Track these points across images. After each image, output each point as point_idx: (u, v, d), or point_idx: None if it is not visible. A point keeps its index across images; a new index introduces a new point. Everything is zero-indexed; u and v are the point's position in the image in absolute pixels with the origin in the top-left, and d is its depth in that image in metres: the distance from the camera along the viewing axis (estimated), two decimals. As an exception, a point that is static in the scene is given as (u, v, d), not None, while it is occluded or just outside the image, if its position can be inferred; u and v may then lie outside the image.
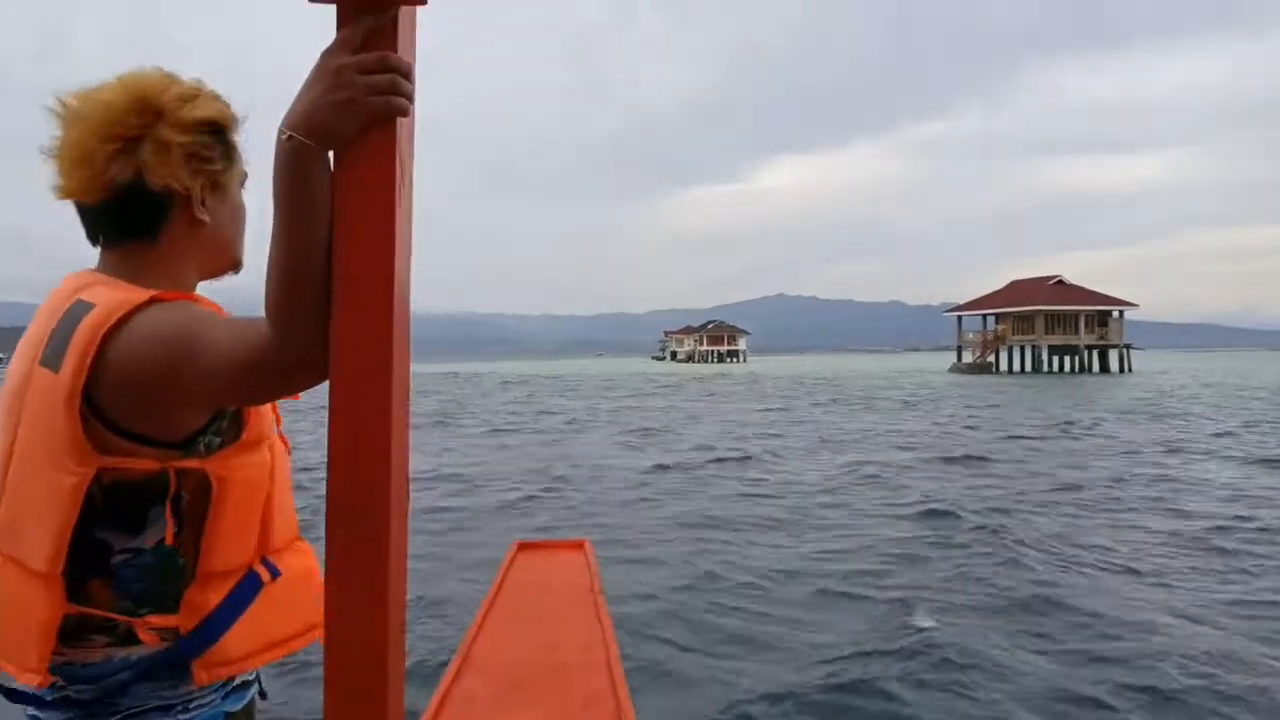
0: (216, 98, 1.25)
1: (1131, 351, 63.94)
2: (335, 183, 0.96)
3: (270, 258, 0.99)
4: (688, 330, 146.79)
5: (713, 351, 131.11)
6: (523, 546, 3.38)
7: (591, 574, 2.97)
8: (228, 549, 1.20)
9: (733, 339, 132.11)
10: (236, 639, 1.20)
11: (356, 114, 0.94)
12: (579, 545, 3.39)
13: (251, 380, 1.05)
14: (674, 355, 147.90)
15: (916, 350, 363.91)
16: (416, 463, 13.54)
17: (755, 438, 18.81)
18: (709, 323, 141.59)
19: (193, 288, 1.28)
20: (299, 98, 0.96)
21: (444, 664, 2.20)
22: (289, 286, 0.98)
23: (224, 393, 1.10)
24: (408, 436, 1.00)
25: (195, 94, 1.21)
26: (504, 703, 2.05)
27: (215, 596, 1.20)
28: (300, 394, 1.09)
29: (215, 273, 1.33)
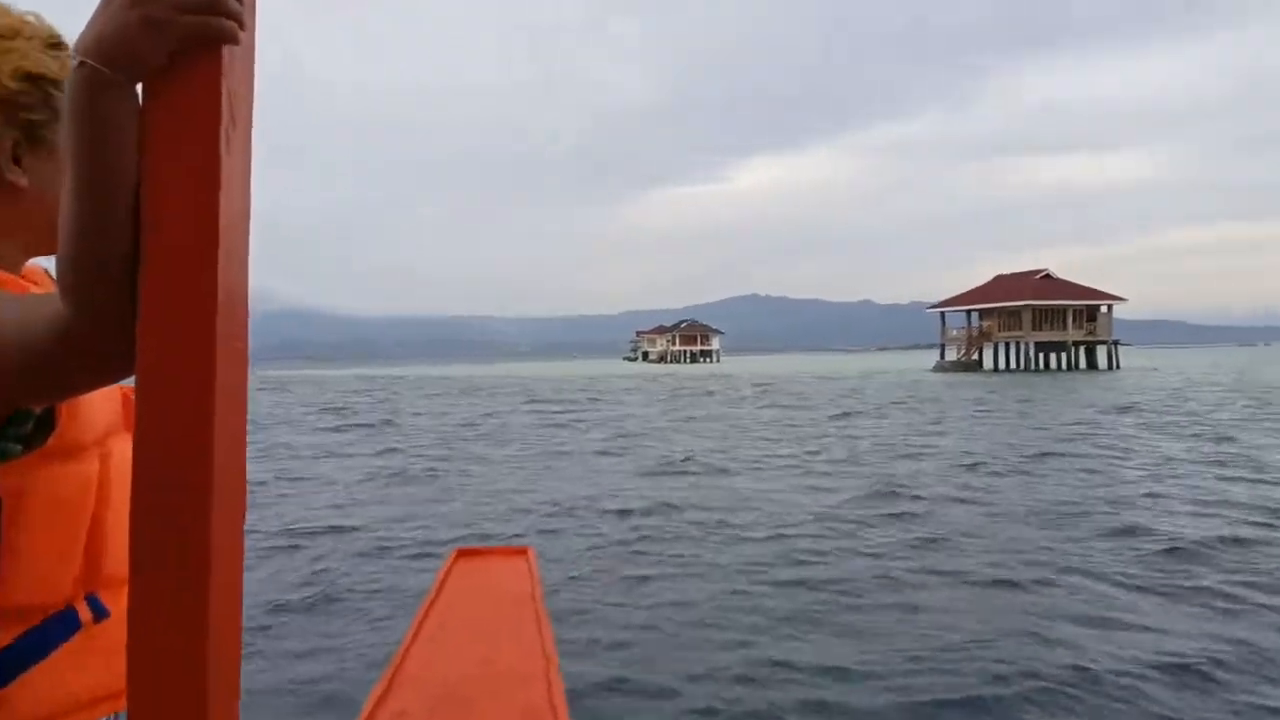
0: (54, 41, 1.02)
1: (1119, 348, 61.54)
2: (143, 123, 0.77)
3: (60, 217, 0.79)
4: (660, 330, 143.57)
5: (685, 352, 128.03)
6: (462, 553, 3.02)
7: (534, 583, 2.70)
8: (24, 580, 0.96)
9: (706, 339, 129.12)
10: (29, 693, 0.95)
11: (164, 35, 0.74)
12: (522, 552, 3.07)
13: (41, 372, 0.85)
14: (646, 356, 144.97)
15: (886, 350, 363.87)
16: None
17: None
18: (682, 322, 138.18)
19: (17, 265, 1.05)
20: (94, 15, 0.77)
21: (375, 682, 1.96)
22: (83, 254, 0.78)
23: (10, 388, 0.88)
24: (243, 447, 0.80)
25: (14, 31, 1.00)
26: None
27: (2, 637, 0.95)
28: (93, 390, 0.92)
29: (49, 248, 1.04)
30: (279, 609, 6.37)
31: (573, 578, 7.23)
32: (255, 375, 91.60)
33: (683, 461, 14.68)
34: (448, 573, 2.93)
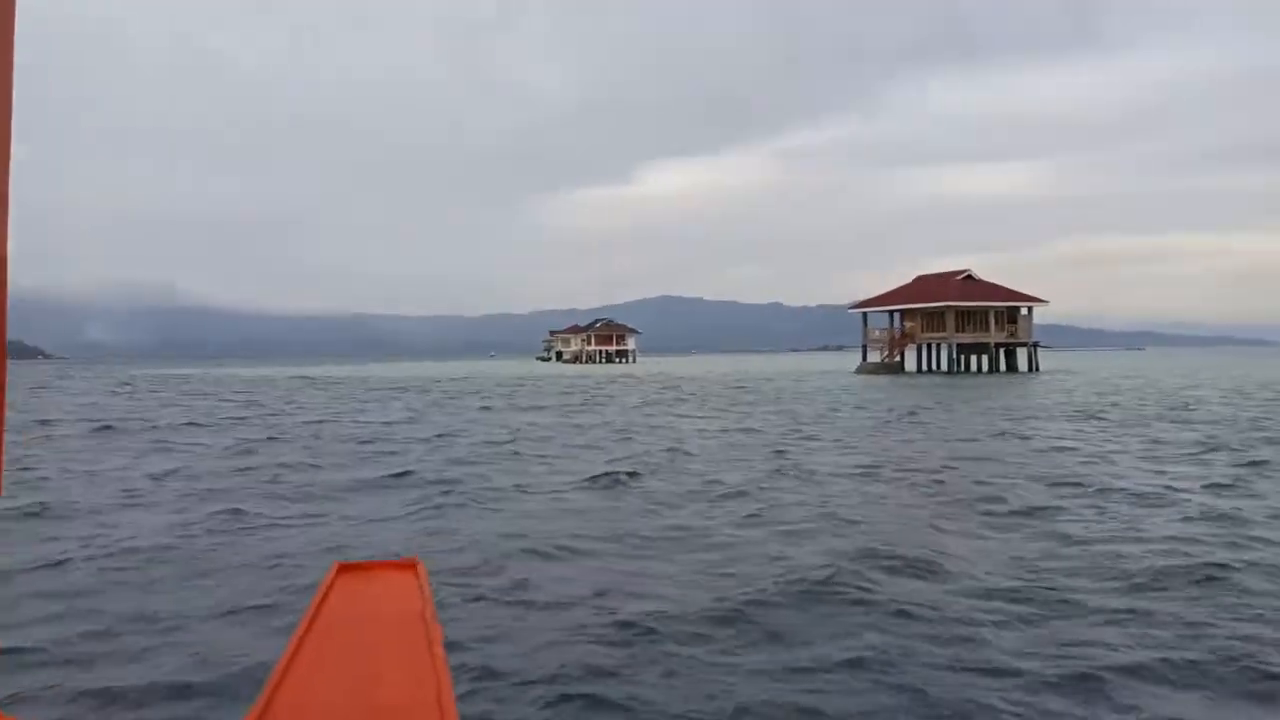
0: None
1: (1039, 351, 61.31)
2: None
3: None
4: (574, 329, 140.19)
5: (601, 352, 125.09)
6: (344, 568, 2.92)
7: (423, 598, 2.61)
8: None
9: (622, 338, 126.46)
10: None
11: None
12: (410, 565, 2.96)
13: None
14: (559, 356, 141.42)
15: (797, 351, 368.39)
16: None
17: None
18: (597, 321, 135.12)
19: None
20: None
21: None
22: None
23: None
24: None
25: None
26: None
27: None
28: None
29: None
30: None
31: (469, 590, 6.52)
32: (128, 373, 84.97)
33: (628, 476, 12.01)
34: (327, 589, 2.69)
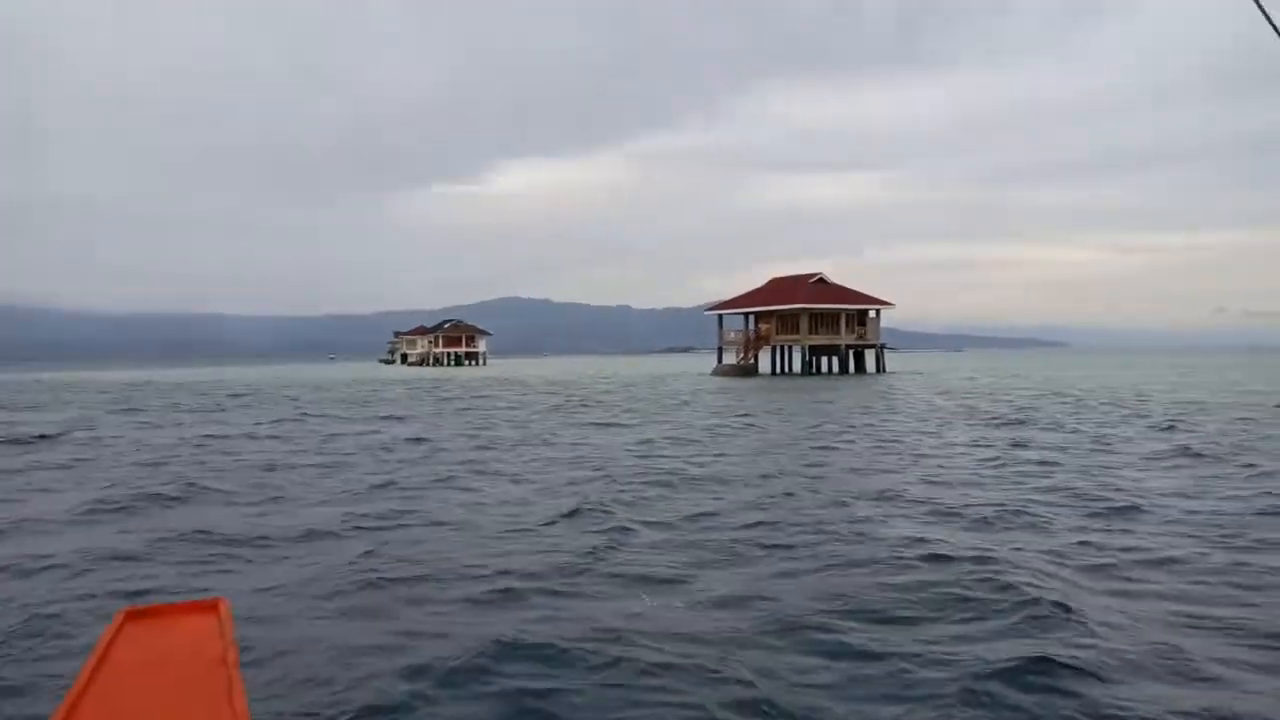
0: None
1: (885, 352, 63.08)
2: None
3: None
4: (421, 331, 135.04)
5: (450, 354, 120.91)
6: (133, 614, 2.70)
7: (225, 642, 2.40)
8: None
9: (472, 340, 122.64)
10: None
11: None
12: (211, 607, 2.71)
13: None
14: (405, 358, 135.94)
15: (646, 353, 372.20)
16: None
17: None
18: (445, 322, 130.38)
19: None
20: None
21: None
22: None
23: None
24: None
25: None
26: None
27: None
28: None
29: None
30: None
31: (280, 629, 5.74)
32: None
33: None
34: (113, 639, 2.48)
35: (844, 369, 59.52)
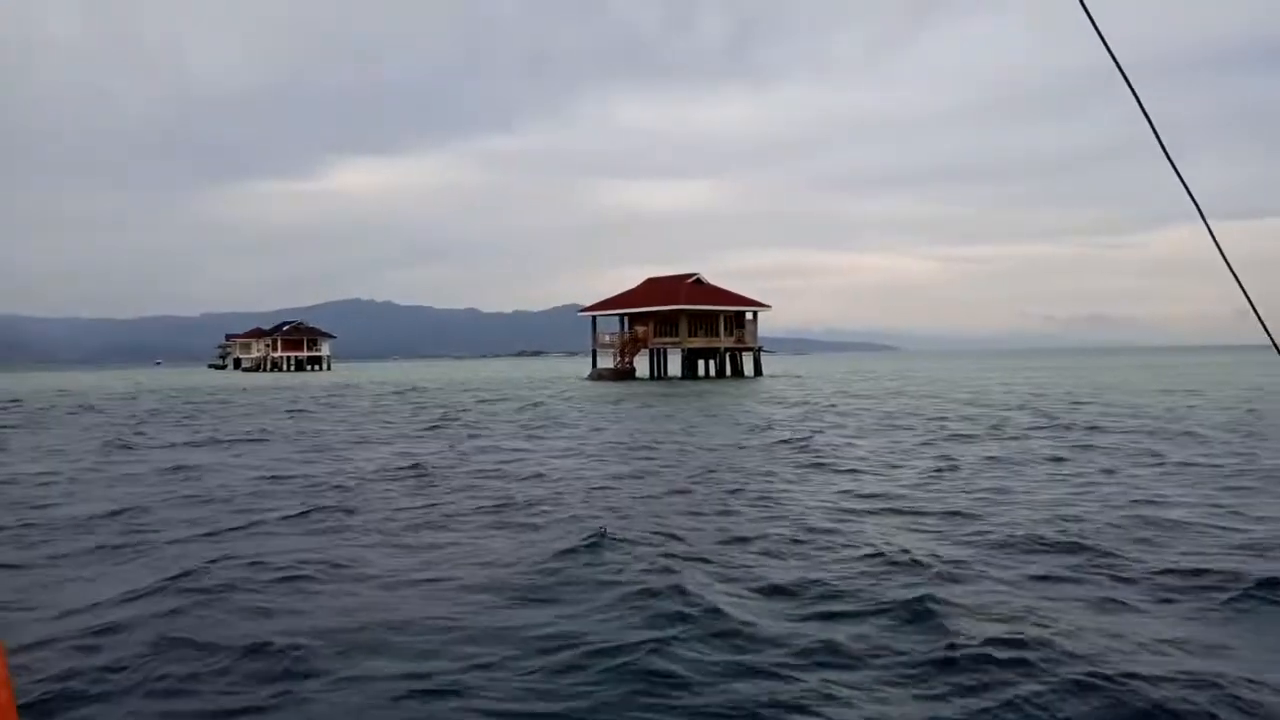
0: None
1: (762, 355, 61.67)
2: None
3: None
4: (257, 334, 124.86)
5: (290, 358, 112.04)
6: None
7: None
8: None
9: (314, 343, 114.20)
10: None
11: None
12: None
13: None
14: (238, 363, 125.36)
15: (496, 356, 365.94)
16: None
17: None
18: (284, 324, 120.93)
19: None
20: None
21: None
22: None
23: None
24: None
25: None
26: None
27: None
28: None
29: None
30: None
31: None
32: None
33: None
34: None
35: (721, 372, 57.62)
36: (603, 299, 62.24)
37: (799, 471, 13.45)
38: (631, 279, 62.29)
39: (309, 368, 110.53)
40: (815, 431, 19.63)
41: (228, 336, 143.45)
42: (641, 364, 58.82)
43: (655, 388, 44.93)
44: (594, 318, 61.28)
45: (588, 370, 60.31)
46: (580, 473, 13.55)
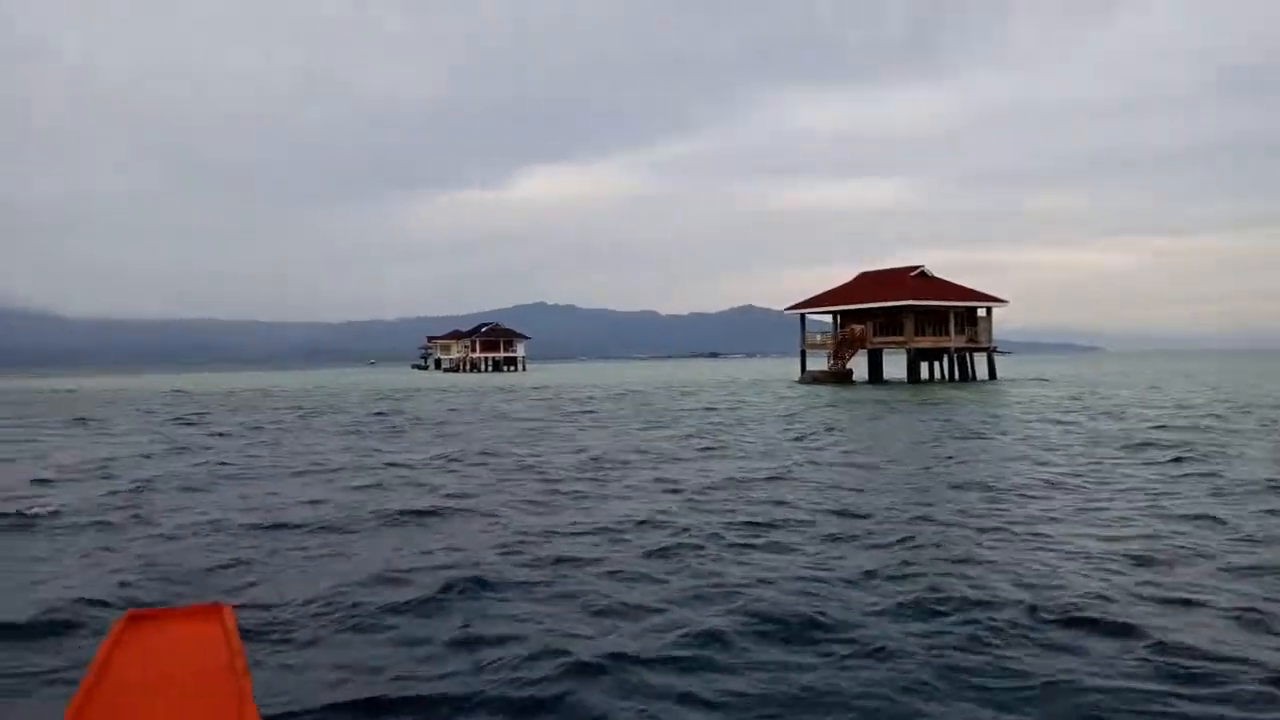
0: None
1: (996, 357, 55.38)
2: None
3: None
4: (455, 335, 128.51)
5: (487, 359, 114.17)
6: (135, 617, 2.68)
7: (231, 649, 2.34)
8: None
9: (510, 344, 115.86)
10: None
11: None
12: (214, 612, 2.69)
13: None
14: (439, 364, 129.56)
15: (673, 358, 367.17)
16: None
17: None
18: (483, 326, 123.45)
19: None
20: None
21: None
22: None
23: None
24: None
25: None
26: None
27: None
28: None
29: None
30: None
31: (287, 638, 5.58)
32: None
33: None
34: (115, 642, 2.38)
35: (950, 376, 52.04)
36: (809, 296, 57.80)
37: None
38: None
39: (505, 368, 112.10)
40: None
41: (429, 338, 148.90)
42: (853, 366, 53.98)
43: (884, 393, 40.29)
44: (802, 315, 57.00)
45: (787, 371, 56.24)
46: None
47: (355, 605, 6.51)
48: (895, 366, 55.81)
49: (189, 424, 26.70)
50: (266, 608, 6.42)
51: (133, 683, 2.10)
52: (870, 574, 7.30)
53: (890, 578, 7.17)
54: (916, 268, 53.86)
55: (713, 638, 5.69)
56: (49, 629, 6.03)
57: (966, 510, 10.32)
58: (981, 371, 53.37)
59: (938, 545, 8.37)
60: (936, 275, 54.05)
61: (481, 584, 7.05)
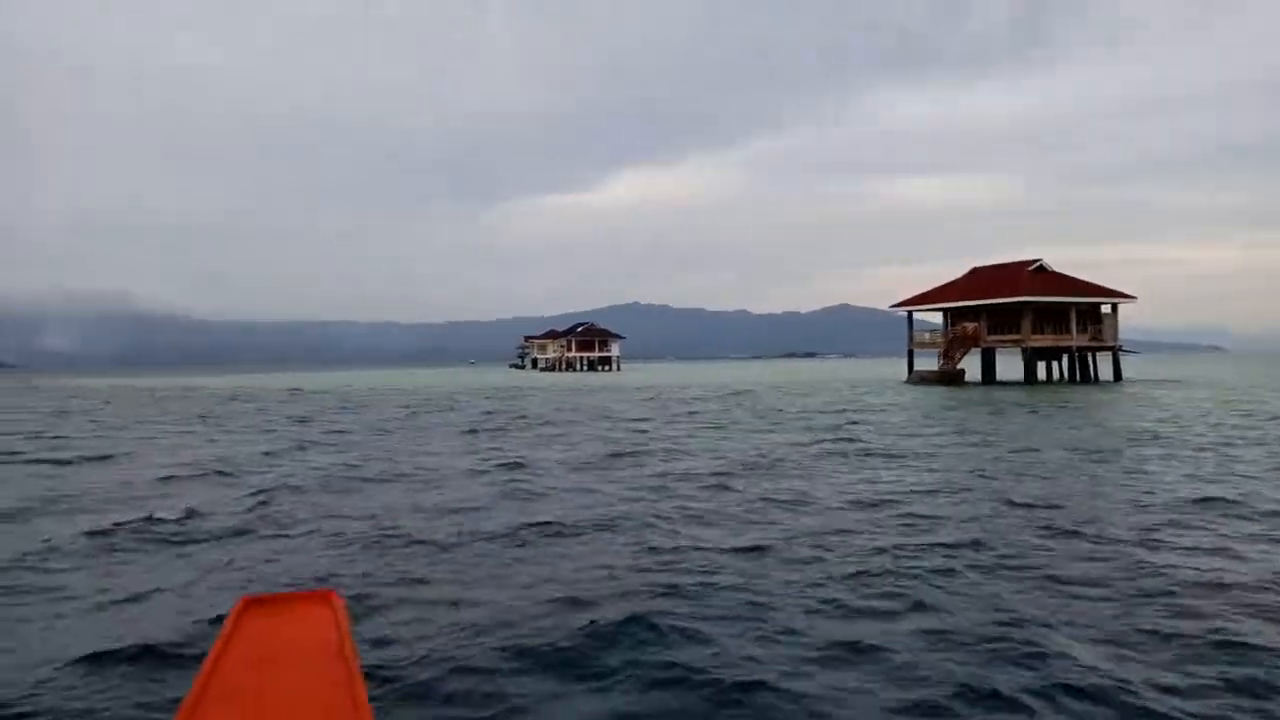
0: None
1: (1122, 356, 52.05)
2: None
3: None
4: (551, 335, 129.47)
5: (582, 358, 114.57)
6: (252, 602, 2.75)
7: (341, 633, 2.43)
8: None
9: (605, 344, 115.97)
10: None
11: None
12: (324, 597, 2.76)
13: None
14: (535, 363, 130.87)
15: (766, 358, 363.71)
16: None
17: None
18: (577, 326, 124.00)
19: None
20: None
21: None
22: None
23: None
24: None
25: None
26: None
27: None
28: None
29: None
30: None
31: (392, 624, 5.76)
32: (138, 387, 71.09)
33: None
34: (235, 625, 2.53)
35: (1071, 377, 49.13)
36: (918, 293, 55.45)
37: None
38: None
39: (599, 368, 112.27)
40: None
41: (525, 338, 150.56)
42: (964, 366, 51.45)
43: (1003, 394, 37.98)
44: (909, 313, 54.76)
45: (891, 372, 54.00)
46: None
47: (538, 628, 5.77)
48: (1006, 366, 53.04)
49: (331, 428, 26.85)
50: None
51: (251, 660, 2.21)
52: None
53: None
54: (1034, 261, 50.98)
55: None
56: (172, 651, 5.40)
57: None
58: (1104, 372, 50.26)
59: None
60: (1055, 270, 51.11)
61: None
